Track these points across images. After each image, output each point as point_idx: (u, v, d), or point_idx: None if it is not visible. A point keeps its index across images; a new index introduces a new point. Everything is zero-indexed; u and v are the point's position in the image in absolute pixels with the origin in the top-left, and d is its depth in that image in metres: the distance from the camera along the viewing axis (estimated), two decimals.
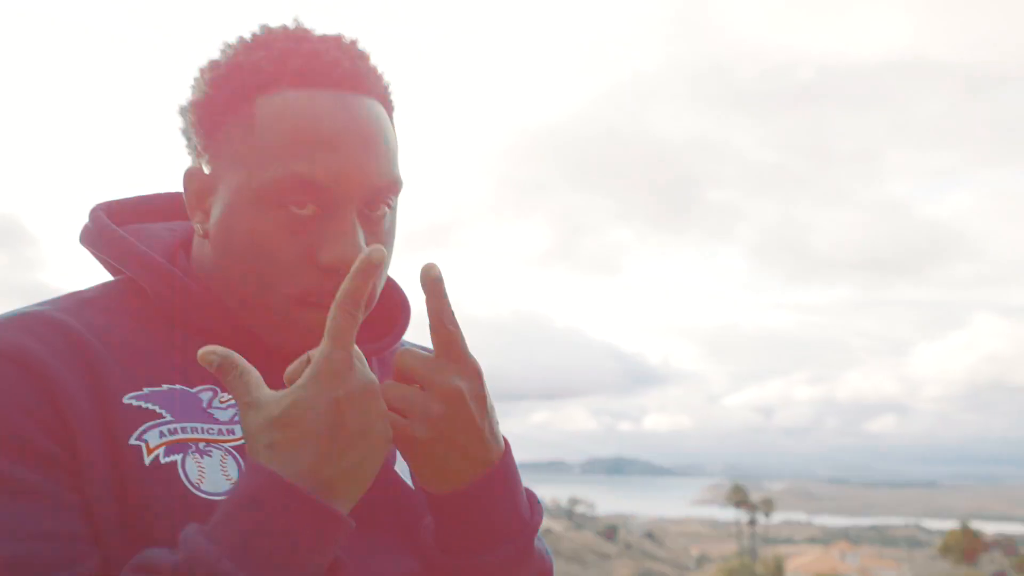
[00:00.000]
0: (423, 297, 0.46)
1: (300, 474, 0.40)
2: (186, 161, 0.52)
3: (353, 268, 0.42)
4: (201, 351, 0.42)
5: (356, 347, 0.43)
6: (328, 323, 0.42)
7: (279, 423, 0.40)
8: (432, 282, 0.45)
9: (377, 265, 0.42)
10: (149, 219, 0.56)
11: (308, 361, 0.43)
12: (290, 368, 0.44)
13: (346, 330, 0.42)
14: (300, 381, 0.41)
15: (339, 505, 0.41)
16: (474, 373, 0.46)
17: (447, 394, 0.44)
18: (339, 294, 0.42)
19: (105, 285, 0.52)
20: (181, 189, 0.53)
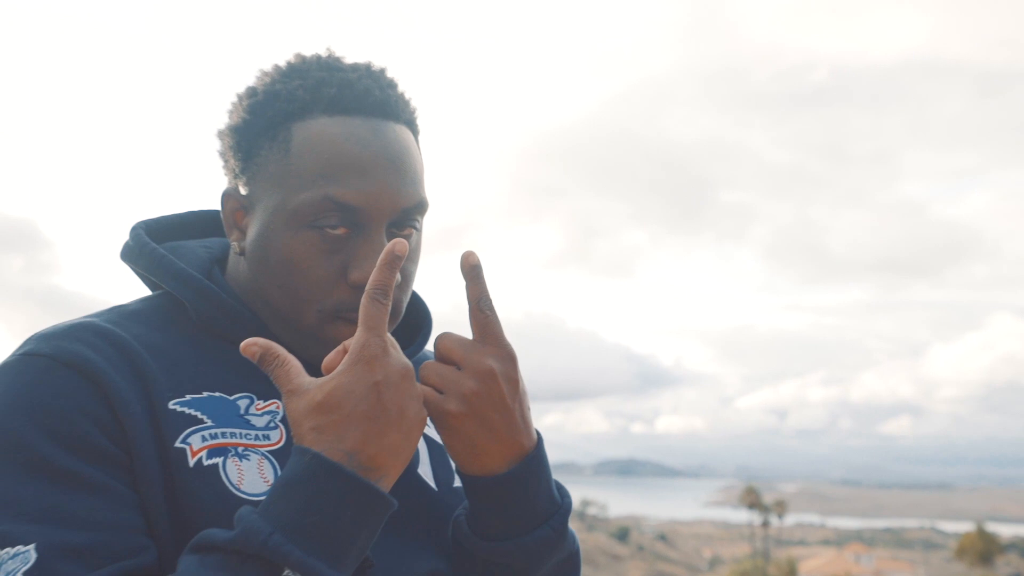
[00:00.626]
0: (460, 289, 0.49)
1: (344, 455, 0.42)
2: (222, 182, 0.55)
3: (379, 260, 0.44)
4: (244, 343, 0.45)
5: (389, 335, 0.45)
6: (361, 313, 0.44)
7: (322, 407, 0.43)
8: (471, 269, 0.48)
9: (401, 256, 0.44)
10: (185, 236, 0.59)
11: (345, 350, 0.45)
12: (328, 357, 0.46)
13: (378, 317, 0.44)
14: (340, 367, 0.43)
15: (381, 484, 0.43)
16: (508, 356, 0.48)
17: (481, 372, 0.47)
18: (368, 285, 0.44)
19: (146, 299, 0.56)
20: (207, 207, 0.57)
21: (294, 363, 0.45)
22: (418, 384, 0.46)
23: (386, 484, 0.44)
